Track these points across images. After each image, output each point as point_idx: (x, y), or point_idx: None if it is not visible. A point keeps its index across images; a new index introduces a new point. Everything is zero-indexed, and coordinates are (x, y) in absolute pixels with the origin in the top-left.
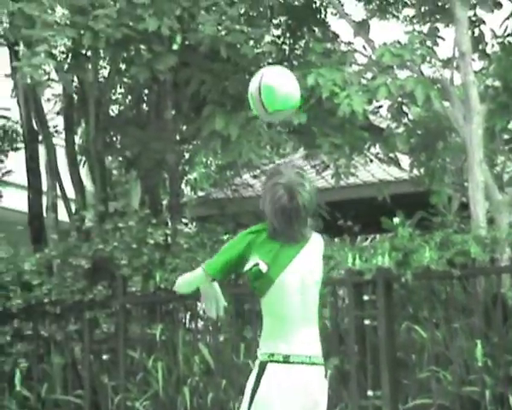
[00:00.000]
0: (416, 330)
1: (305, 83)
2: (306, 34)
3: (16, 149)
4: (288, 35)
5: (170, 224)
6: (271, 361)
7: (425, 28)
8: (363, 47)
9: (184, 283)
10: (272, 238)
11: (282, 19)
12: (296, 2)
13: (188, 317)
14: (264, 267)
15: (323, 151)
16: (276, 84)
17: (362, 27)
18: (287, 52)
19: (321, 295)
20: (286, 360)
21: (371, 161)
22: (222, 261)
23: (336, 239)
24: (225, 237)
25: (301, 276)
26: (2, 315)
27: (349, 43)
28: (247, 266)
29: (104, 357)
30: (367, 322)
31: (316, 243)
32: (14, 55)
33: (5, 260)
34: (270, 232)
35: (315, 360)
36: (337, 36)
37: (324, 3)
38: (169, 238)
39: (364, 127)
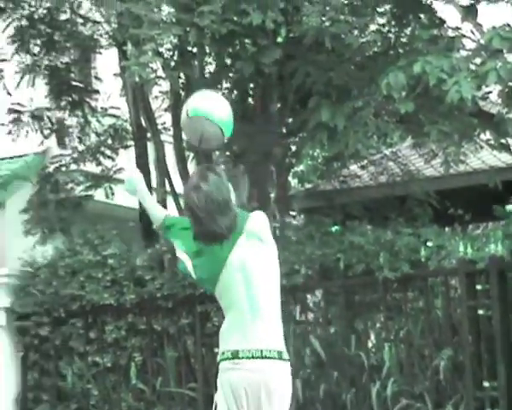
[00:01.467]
0: None
1: (412, 71)
2: (412, 21)
3: (126, 147)
4: (393, 23)
5: (278, 217)
6: (222, 360)
7: None
8: (471, 32)
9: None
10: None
11: (387, 7)
12: None
13: (298, 309)
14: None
15: (432, 139)
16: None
17: (470, 12)
18: (392, 40)
19: (432, 285)
20: (234, 355)
21: (481, 147)
22: (176, 223)
23: (447, 228)
24: (333, 229)
25: (241, 264)
26: (116, 310)
27: (456, 29)
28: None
29: (216, 350)
30: (480, 312)
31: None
32: (122, 54)
33: (118, 256)
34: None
35: (267, 354)
36: (444, 21)
37: None
38: (277, 231)
39: (474, 114)
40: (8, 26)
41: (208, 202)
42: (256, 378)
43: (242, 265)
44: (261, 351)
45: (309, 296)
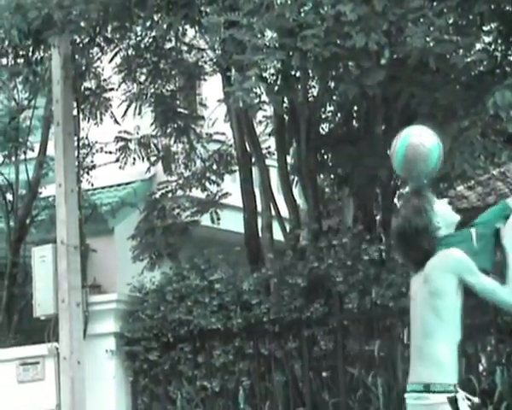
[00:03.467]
0: None
1: None
2: None
3: (231, 172)
4: (499, 41)
5: (384, 239)
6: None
7: None
8: None
9: None
10: None
11: (493, 25)
12: (508, 7)
13: (405, 332)
14: None
15: None
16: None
17: None
18: (499, 59)
19: None
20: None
21: None
22: None
23: None
24: None
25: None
26: (223, 334)
27: None
28: None
29: (324, 374)
30: None
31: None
32: (226, 80)
33: (225, 281)
34: None
35: (416, 387)
36: None
37: None
38: (383, 254)
39: None
40: (115, 55)
41: (403, 227)
42: None
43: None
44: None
45: None
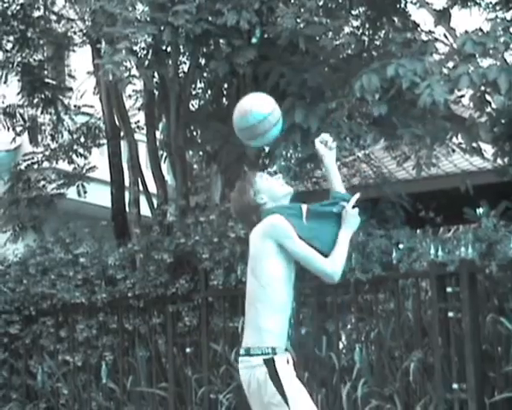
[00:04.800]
0: (501, 322)
1: (385, 73)
2: (386, 24)
3: (99, 146)
4: (367, 26)
5: None
6: None
7: (508, 15)
8: (445, 36)
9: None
10: None
11: (361, 9)
12: None
13: None
14: None
15: (404, 142)
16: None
17: (443, 16)
18: (366, 43)
19: (403, 287)
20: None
21: (453, 151)
22: None
23: (418, 231)
24: None
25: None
26: (87, 309)
27: (430, 33)
28: None
29: (187, 350)
30: (451, 314)
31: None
32: (96, 52)
33: (90, 255)
34: None
35: (241, 352)
36: (417, 25)
37: None
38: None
39: (446, 117)
40: None
41: (233, 206)
42: (241, 375)
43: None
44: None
45: None
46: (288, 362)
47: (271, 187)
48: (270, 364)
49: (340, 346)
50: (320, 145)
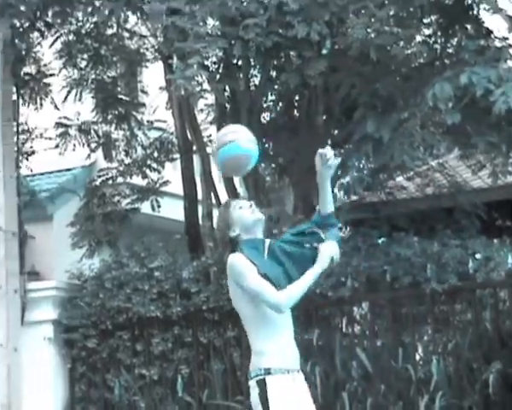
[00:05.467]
0: None
1: (458, 81)
2: (458, 32)
3: (172, 160)
4: (439, 34)
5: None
6: None
7: None
8: None
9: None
10: None
11: (433, 17)
12: (447, 1)
13: (344, 322)
14: None
15: (479, 150)
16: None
17: None
18: (438, 51)
19: (480, 297)
20: None
21: None
22: None
23: (495, 240)
24: (380, 241)
25: None
26: (163, 322)
27: (504, 39)
28: None
29: None
30: None
31: None
32: (168, 68)
33: (164, 269)
34: None
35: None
36: (491, 32)
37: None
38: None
39: None
40: (55, 40)
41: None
42: None
43: None
44: None
45: (355, 309)
46: (294, 380)
47: (240, 217)
48: (261, 385)
49: (417, 358)
50: (318, 160)
